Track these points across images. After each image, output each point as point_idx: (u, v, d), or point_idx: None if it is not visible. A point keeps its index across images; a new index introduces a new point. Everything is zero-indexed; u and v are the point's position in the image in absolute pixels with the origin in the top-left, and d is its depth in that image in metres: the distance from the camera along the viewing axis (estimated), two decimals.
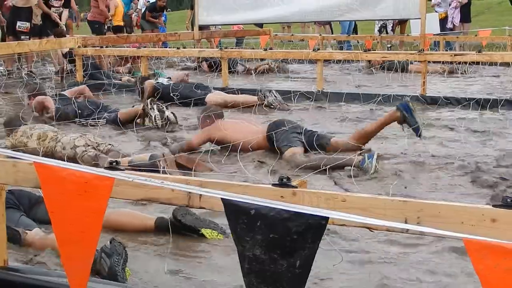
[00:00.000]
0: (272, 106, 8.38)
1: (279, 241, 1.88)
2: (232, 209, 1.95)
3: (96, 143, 5.70)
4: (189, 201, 2.37)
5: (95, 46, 11.23)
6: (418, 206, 2.08)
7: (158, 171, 4.71)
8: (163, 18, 18.42)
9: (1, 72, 11.69)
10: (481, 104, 8.14)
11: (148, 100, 7.22)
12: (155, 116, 7.02)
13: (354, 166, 5.04)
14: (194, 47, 14.12)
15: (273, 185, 2.33)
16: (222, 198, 1.96)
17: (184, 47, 12.81)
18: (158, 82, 9.20)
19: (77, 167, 2.22)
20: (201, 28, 13.38)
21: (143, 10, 19.11)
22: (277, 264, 1.89)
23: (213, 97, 8.71)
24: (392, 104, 8.35)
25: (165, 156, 5.15)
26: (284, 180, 2.33)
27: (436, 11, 16.78)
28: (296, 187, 2.30)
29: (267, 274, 1.90)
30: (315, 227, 1.87)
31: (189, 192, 2.34)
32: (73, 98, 7.89)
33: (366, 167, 5.07)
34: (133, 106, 7.84)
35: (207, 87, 9.31)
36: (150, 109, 7.03)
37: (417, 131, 5.63)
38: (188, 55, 12.81)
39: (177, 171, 5.00)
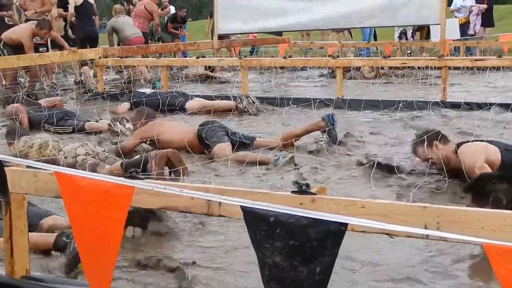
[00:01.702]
0: (246, 110, 8.71)
1: (298, 248, 1.88)
2: (251, 216, 1.95)
3: (96, 152, 5.87)
4: (209, 209, 2.38)
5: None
6: (438, 212, 2.07)
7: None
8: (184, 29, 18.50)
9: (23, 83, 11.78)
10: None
11: (113, 119, 7.56)
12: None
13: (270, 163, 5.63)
14: (214, 56, 14.15)
15: (292, 192, 2.32)
16: (241, 206, 1.97)
17: (203, 57, 12.86)
18: (140, 91, 9.56)
19: (97, 176, 2.23)
20: (221, 37, 13.43)
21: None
22: (297, 271, 1.88)
23: (193, 103, 9.05)
24: (413, 110, 8.36)
25: (157, 154, 5.28)
26: (303, 187, 2.33)
27: (456, 17, 16.70)
28: (315, 194, 2.29)
29: (287, 281, 1.90)
30: (334, 234, 1.86)
31: (209, 200, 2.34)
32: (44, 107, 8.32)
33: (278, 163, 5.60)
34: (97, 121, 8.04)
35: (188, 95, 9.65)
36: (114, 126, 7.30)
37: (334, 142, 6.31)
38: (208, 64, 12.84)
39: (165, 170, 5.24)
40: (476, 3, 16.99)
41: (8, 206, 2.83)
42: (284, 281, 1.90)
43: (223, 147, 6.04)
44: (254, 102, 8.82)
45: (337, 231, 1.86)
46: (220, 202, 2.31)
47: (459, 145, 5.05)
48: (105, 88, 11.20)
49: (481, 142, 5.12)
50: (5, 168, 2.57)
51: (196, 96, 9.71)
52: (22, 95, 9.63)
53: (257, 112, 8.76)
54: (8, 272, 2.96)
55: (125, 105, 9.34)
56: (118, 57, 11.54)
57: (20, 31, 11.26)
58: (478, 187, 3.70)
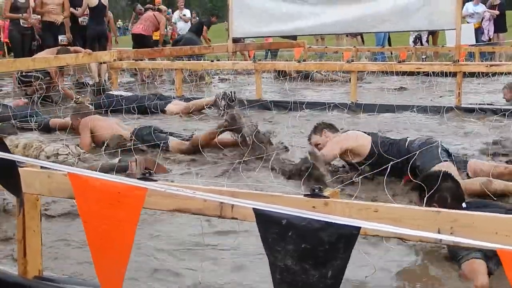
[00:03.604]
0: (221, 109, 8.81)
1: (310, 251, 1.87)
2: (263, 219, 1.95)
3: (77, 153, 5.97)
4: (221, 211, 2.37)
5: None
6: (451, 217, 2.06)
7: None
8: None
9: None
10: None
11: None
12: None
13: None
14: (228, 60, 14.15)
15: (305, 195, 2.32)
16: (253, 208, 1.96)
17: (218, 60, 12.88)
18: (118, 94, 9.57)
19: (111, 178, 2.23)
20: (235, 41, 13.45)
21: (177, 24, 19.22)
22: (309, 274, 1.88)
23: (172, 107, 9.19)
24: (427, 114, 8.32)
25: (137, 159, 5.47)
26: (316, 190, 2.32)
27: (468, 22, 16.65)
28: (328, 197, 2.29)
29: (298, 285, 1.89)
30: (347, 237, 1.85)
31: (221, 202, 2.34)
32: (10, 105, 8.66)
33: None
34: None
35: (168, 97, 9.81)
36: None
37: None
38: (222, 67, 12.85)
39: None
40: (488, 8, 16.97)
41: (22, 206, 2.84)
42: (296, 284, 1.89)
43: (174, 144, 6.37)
44: (230, 104, 8.90)
45: (349, 235, 1.85)
46: (232, 205, 2.31)
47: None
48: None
49: (355, 132, 5.58)
50: (19, 169, 2.58)
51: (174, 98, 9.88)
52: (37, 97, 9.67)
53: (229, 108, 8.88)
54: (21, 272, 2.98)
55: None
56: (132, 59, 11.59)
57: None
58: (424, 186, 3.75)
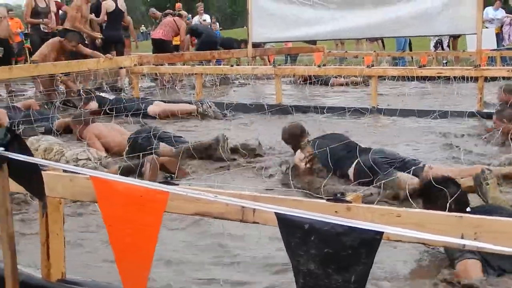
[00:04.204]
0: (206, 113, 9.16)
1: (333, 256, 1.87)
2: (285, 223, 1.94)
3: (98, 157, 5.97)
4: (243, 216, 2.38)
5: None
6: (475, 222, 2.05)
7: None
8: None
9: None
10: None
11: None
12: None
13: None
14: (248, 64, 14.19)
15: (327, 200, 2.32)
16: (275, 213, 1.96)
17: (238, 65, 12.91)
18: (103, 97, 9.79)
19: (133, 181, 2.24)
20: (255, 45, 13.47)
21: None
22: (332, 279, 1.87)
23: (154, 108, 9.36)
24: (448, 120, 8.27)
25: (151, 159, 5.49)
26: (338, 195, 2.32)
27: (487, 27, 16.53)
28: (351, 202, 2.28)
29: None
30: (369, 242, 1.85)
31: (243, 207, 2.34)
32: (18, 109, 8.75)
33: None
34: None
35: (149, 100, 10.01)
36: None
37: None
38: (242, 72, 12.86)
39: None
40: (507, 13, 16.87)
41: (45, 209, 2.86)
42: None
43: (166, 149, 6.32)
44: (210, 107, 9.28)
45: (372, 240, 1.84)
46: (254, 209, 2.31)
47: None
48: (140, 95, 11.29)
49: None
50: (42, 172, 2.60)
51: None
52: (59, 101, 9.75)
53: (217, 115, 9.23)
54: (44, 275, 3.00)
55: (94, 105, 9.63)
56: (153, 64, 11.64)
57: (47, 46, 11.38)
58: (427, 192, 3.74)
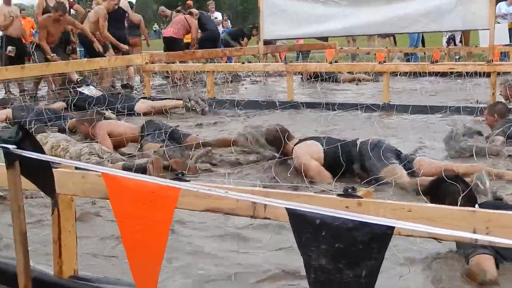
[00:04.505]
0: (194, 109, 9.26)
1: (344, 251, 1.86)
2: (297, 219, 1.94)
3: (101, 152, 6.01)
4: (254, 211, 2.37)
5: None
6: (487, 216, 2.04)
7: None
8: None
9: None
10: None
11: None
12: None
13: None
14: (259, 62, 14.18)
15: (338, 195, 2.31)
16: (286, 208, 1.96)
17: (249, 62, 12.91)
18: (85, 94, 9.82)
19: (144, 178, 2.25)
20: (266, 43, 13.46)
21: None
22: (343, 274, 1.87)
23: (141, 105, 9.44)
24: (461, 115, 8.22)
25: (154, 159, 5.50)
26: (349, 190, 2.31)
27: (499, 22, 16.42)
28: (361, 197, 2.28)
29: (333, 284, 1.88)
30: (381, 237, 1.84)
31: (254, 202, 2.34)
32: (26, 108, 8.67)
33: None
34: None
35: (134, 98, 10.14)
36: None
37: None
38: (253, 69, 12.87)
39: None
40: None
41: (56, 206, 2.87)
42: (330, 284, 1.88)
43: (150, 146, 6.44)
44: (197, 102, 9.36)
45: (383, 235, 1.84)
46: (265, 204, 2.31)
47: (298, 142, 5.67)
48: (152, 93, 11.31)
49: (309, 140, 5.69)
50: (53, 170, 2.61)
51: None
52: (71, 99, 9.78)
53: (202, 111, 9.28)
54: (56, 271, 3.01)
55: (60, 104, 9.79)
56: (164, 62, 11.66)
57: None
58: (435, 189, 3.73)
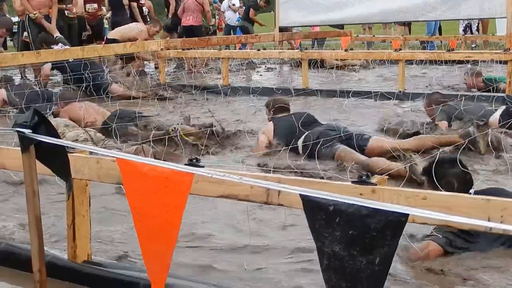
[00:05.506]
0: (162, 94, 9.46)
1: (358, 237, 1.86)
2: (310, 205, 1.94)
3: (96, 139, 6.04)
4: (268, 198, 2.37)
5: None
6: (501, 205, 2.02)
7: None
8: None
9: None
10: None
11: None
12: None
13: None
14: (275, 49, 14.14)
15: (353, 182, 2.31)
16: (300, 194, 1.95)
17: (264, 49, 12.87)
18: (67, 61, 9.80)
19: (158, 163, 2.25)
20: (282, 30, 13.41)
21: (226, 13, 19.20)
22: (356, 260, 1.86)
23: (116, 87, 9.60)
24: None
25: (144, 148, 5.52)
26: (363, 177, 2.30)
27: None
28: (376, 185, 2.27)
29: (346, 271, 1.88)
30: (394, 224, 1.83)
31: (268, 189, 2.34)
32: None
33: None
34: None
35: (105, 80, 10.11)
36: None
37: None
38: (268, 56, 12.84)
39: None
40: None
41: (71, 191, 2.88)
42: (343, 270, 1.88)
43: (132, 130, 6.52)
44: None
45: (397, 222, 1.83)
46: (279, 191, 2.31)
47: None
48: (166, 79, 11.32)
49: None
50: (69, 155, 2.62)
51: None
52: (86, 85, 9.79)
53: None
54: (70, 256, 3.03)
55: (47, 66, 9.99)
56: (180, 49, 11.65)
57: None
58: (432, 171, 3.75)
